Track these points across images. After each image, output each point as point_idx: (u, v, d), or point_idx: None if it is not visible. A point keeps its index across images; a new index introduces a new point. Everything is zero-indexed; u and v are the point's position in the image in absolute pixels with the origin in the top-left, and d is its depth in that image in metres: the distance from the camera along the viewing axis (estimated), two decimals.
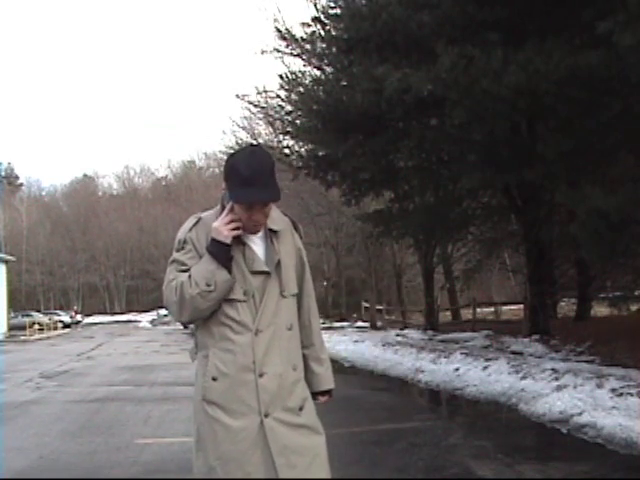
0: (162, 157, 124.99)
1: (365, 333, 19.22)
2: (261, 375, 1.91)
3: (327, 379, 2.17)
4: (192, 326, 2.10)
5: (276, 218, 2.03)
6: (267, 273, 1.98)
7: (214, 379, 1.92)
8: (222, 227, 1.91)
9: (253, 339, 1.92)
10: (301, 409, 1.97)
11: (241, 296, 1.94)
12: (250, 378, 1.90)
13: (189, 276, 1.90)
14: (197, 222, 2.01)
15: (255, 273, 1.96)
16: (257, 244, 2.01)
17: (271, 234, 2.03)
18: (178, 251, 1.99)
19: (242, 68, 78.48)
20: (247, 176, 1.85)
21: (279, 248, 2.03)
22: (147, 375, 10.91)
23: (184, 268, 1.95)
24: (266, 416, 1.89)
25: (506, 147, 10.03)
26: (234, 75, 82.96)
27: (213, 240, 1.92)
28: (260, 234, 2.01)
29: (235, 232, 1.92)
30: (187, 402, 7.37)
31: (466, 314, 21.99)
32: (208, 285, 1.87)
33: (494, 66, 7.88)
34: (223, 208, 1.98)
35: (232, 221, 1.92)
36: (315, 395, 2.13)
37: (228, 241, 1.91)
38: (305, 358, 2.11)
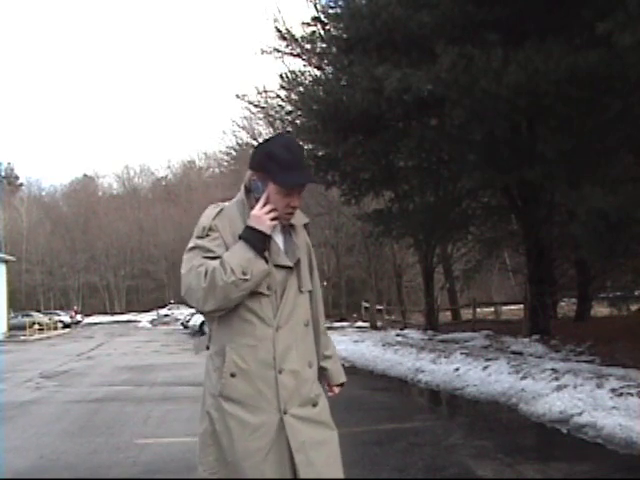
0: (162, 157, 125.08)
1: (365, 333, 19.20)
2: (280, 371, 1.89)
3: (338, 373, 2.19)
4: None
5: (296, 212, 2.00)
6: (290, 268, 1.96)
7: (232, 375, 1.88)
8: (264, 216, 1.87)
9: (274, 334, 1.90)
10: (315, 405, 1.96)
11: (265, 290, 1.90)
12: (270, 374, 1.88)
13: (221, 263, 1.82)
14: (220, 212, 1.95)
15: (278, 267, 1.93)
16: (278, 237, 1.97)
17: (290, 228, 2.01)
18: (201, 238, 1.91)
19: (242, 68, 78.43)
20: (289, 160, 1.86)
21: (297, 243, 2.02)
22: (147, 375, 10.90)
23: (211, 255, 1.86)
24: (285, 413, 1.87)
25: (506, 147, 10.03)
26: (234, 75, 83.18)
27: (251, 228, 1.86)
28: (278, 227, 1.98)
29: (275, 222, 1.90)
30: (187, 402, 7.37)
31: (466, 314, 22.00)
32: (244, 274, 1.81)
33: (494, 66, 7.88)
34: (249, 200, 1.94)
35: (271, 211, 1.89)
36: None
37: (269, 231, 1.87)
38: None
